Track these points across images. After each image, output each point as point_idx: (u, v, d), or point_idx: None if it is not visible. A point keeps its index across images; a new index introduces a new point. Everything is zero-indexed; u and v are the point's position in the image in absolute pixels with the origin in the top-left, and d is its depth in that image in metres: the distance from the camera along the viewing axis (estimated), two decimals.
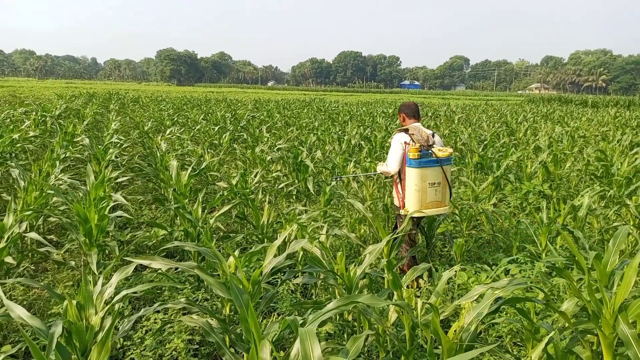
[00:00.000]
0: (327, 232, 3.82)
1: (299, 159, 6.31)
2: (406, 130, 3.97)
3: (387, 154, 4.09)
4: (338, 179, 6.37)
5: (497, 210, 5.38)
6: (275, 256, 2.71)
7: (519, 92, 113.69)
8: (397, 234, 3.60)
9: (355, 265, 3.01)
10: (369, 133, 11.47)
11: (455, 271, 3.59)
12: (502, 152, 8.64)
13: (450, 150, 3.94)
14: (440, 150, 3.86)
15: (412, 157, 3.76)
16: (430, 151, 3.84)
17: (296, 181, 6.27)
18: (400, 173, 3.94)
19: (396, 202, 4.08)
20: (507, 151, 8.43)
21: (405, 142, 3.87)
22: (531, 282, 3.35)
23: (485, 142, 9.76)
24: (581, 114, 23.03)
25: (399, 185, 4.00)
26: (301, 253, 3.64)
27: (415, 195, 3.81)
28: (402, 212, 3.95)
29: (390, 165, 3.95)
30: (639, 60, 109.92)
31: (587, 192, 5.31)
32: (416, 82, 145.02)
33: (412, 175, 3.80)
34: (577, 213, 4.66)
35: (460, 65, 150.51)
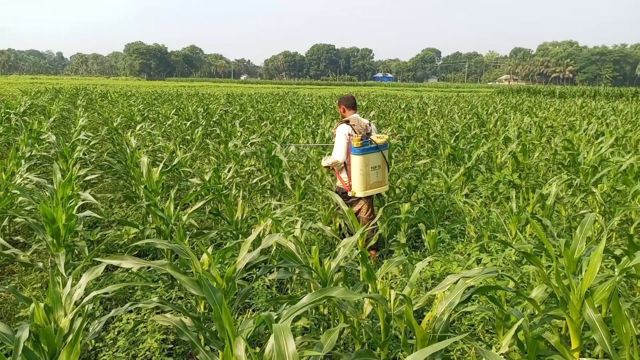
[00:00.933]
0: (301, 226, 3.81)
1: (273, 154, 6.27)
2: (347, 122, 4.47)
3: (332, 145, 4.59)
4: (286, 146, 7.07)
5: (469, 200, 5.47)
6: (249, 252, 2.69)
7: (489, 83, 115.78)
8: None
9: (330, 258, 3.02)
10: None
11: (429, 262, 3.64)
12: (474, 143, 8.78)
13: (386, 137, 4.52)
14: (378, 137, 4.44)
15: (355, 145, 4.28)
16: (369, 139, 4.37)
17: (270, 176, 6.24)
18: (347, 162, 4.44)
19: (339, 184, 4.63)
20: (478, 142, 8.57)
21: (348, 134, 4.38)
22: (502, 271, 3.42)
23: (457, 134, 9.90)
24: (549, 105, 23.60)
25: (344, 173, 4.53)
26: (275, 248, 3.62)
27: (360, 179, 4.34)
28: (349, 194, 4.48)
29: (338, 156, 4.45)
30: (604, 52, 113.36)
31: (555, 181, 5.45)
32: (389, 75, 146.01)
33: (357, 161, 4.31)
34: (546, 202, 4.78)
35: (432, 58, 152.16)
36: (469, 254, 4.30)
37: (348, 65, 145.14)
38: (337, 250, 3.12)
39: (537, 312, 2.39)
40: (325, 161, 4.62)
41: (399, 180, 6.35)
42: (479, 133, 10.91)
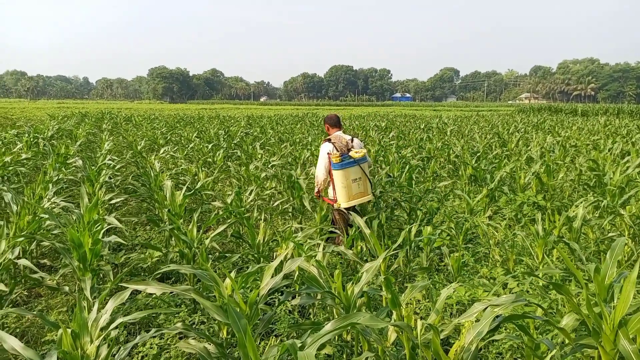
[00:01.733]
0: (323, 249, 3.80)
1: (293, 177, 6.30)
2: (329, 140, 4.93)
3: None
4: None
5: (493, 222, 5.38)
6: (272, 277, 2.69)
7: (509, 102, 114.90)
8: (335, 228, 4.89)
9: (352, 283, 2.99)
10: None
11: (454, 288, 3.58)
12: (495, 164, 8.68)
13: (364, 151, 4.95)
14: (356, 152, 4.84)
15: (335, 161, 4.77)
16: (348, 155, 4.82)
17: (291, 198, 6.26)
18: (330, 177, 4.93)
19: (327, 201, 5.14)
20: (500, 162, 8.48)
21: (328, 153, 4.85)
22: (529, 297, 3.34)
23: (478, 154, 9.81)
24: (571, 123, 23.26)
25: (332, 187, 4.97)
26: (297, 272, 3.61)
27: (343, 192, 4.82)
28: (335, 206, 4.94)
29: (318, 172, 5.00)
30: (626, 68, 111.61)
31: (581, 202, 5.34)
32: (407, 95, 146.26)
33: (337, 175, 4.81)
34: (572, 224, 4.67)
35: (450, 77, 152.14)
36: (495, 279, 4.22)
37: (366, 85, 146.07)
38: (360, 274, 3.09)
39: (567, 341, 2.31)
40: (316, 180, 5.13)
41: (420, 202, 6.31)
42: (501, 153, 10.79)
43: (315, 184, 5.12)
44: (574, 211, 5.03)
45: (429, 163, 9.67)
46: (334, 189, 4.94)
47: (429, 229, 4.66)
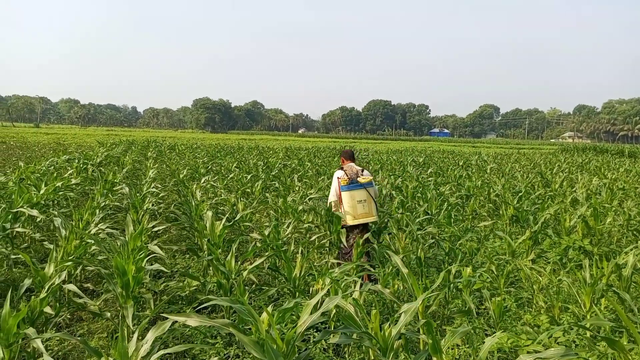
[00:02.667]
0: (360, 287, 3.76)
1: (331, 211, 6.32)
2: (342, 168, 5.81)
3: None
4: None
5: (536, 267, 5.19)
6: (310, 314, 2.68)
7: (551, 140, 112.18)
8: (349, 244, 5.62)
9: (390, 324, 2.93)
10: (400, 183, 11.44)
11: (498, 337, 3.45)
12: (539, 205, 8.43)
13: (370, 177, 5.73)
14: (363, 178, 5.62)
15: (343, 184, 5.58)
16: (357, 180, 5.59)
17: (328, 233, 6.25)
18: (339, 198, 5.70)
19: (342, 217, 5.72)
20: (543, 204, 8.23)
21: (338, 177, 5.70)
22: (579, 353, 3.18)
23: (520, 194, 9.57)
24: (618, 165, 22.41)
25: (342, 208, 5.68)
26: (334, 310, 3.57)
27: (350, 210, 5.57)
28: (345, 225, 5.64)
29: (331, 196, 5.89)
30: None
31: (632, 249, 5.09)
32: (446, 130, 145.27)
33: (345, 196, 5.59)
34: (622, 272, 4.45)
35: (490, 114, 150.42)
36: (539, 326, 4.04)
37: (404, 120, 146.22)
38: (397, 315, 3.03)
39: None
40: (329, 200, 6.02)
41: (459, 242, 6.17)
42: (544, 194, 10.48)
43: (329, 204, 5.95)
44: (623, 258, 4.80)
45: (469, 201, 9.49)
46: (342, 209, 5.67)
47: (468, 270, 4.53)
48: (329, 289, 3.83)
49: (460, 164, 19.71)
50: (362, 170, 5.77)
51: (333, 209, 5.76)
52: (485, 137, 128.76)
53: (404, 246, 5.99)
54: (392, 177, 12.62)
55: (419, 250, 5.23)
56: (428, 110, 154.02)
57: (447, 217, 6.89)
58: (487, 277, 5.02)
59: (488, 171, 16.69)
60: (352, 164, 5.89)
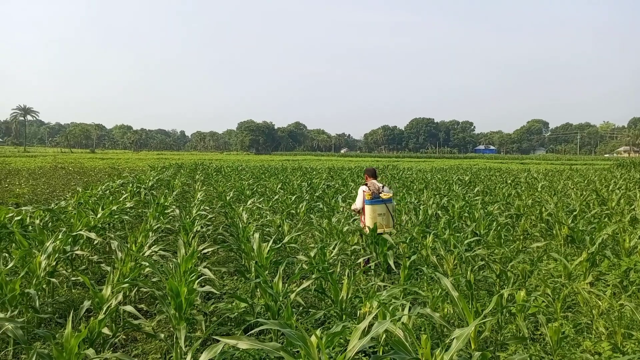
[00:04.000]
0: (409, 311, 3.70)
1: (378, 232, 6.28)
2: (366, 184, 6.71)
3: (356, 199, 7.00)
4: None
5: (595, 290, 4.93)
6: (359, 338, 2.66)
7: (605, 155, 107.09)
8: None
9: (441, 350, 2.87)
10: (446, 202, 11.23)
11: None
12: (595, 224, 8.04)
13: (390, 194, 6.64)
14: (384, 194, 6.53)
15: (367, 198, 6.51)
16: (379, 195, 6.50)
17: (375, 255, 6.22)
18: (362, 209, 6.70)
19: (361, 226, 6.91)
20: (599, 223, 7.84)
21: (364, 191, 6.63)
22: None
23: (575, 213, 9.16)
24: None
25: (363, 217, 6.73)
26: (384, 335, 3.53)
27: (370, 221, 6.48)
28: (364, 231, 6.68)
29: (357, 204, 6.85)
30: None
31: None
32: (492, 147, 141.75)
33: (368, 209, 6.53)
34: None
35: (538, 129, 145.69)
36: (600, 354, 3.82)
37: (448, 137, 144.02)
38: (449, 341, 2.96)
39: None
40: (353, 206, 7.04)
41: (511, 264, 5.96)
42: (600, 212, 9.99)
43: (353, 211, 7.07)
44: None
45: (519, 221, 9.18)
46: (363, 218, 6.71)
47: (522, 293, 4.37)
48: (377, 313, 3.78)
49: (509, 181, 19.14)
50: (383, 187, 6.65)
51: (352, 208, 7.06)
52: (534, 153, 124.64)
53: (452, 268, 5.86)
54: (437, 196, 12.41)
55: (469, 273, 5.09)
56: (473, 127, 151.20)
57: (497, 237, 6.68)
58: (542, 301, 4.82)
59: (539, 189, 16.11)
60: (375, 180, 6.77)
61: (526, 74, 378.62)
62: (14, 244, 6.05)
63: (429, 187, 16.44)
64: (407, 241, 6.70)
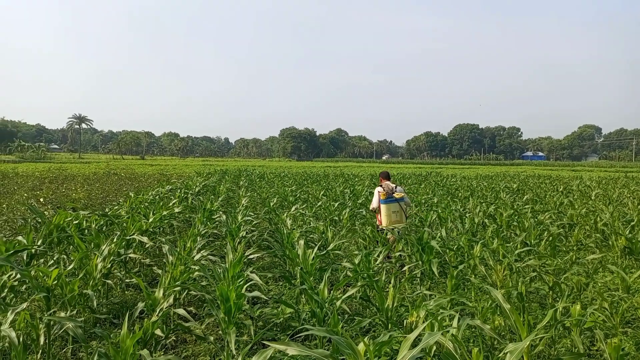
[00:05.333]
0: (459, 322, 3.61)
1: (424, 240, 6.18)
2: (381, 185, 7.53)
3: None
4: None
5: None
6: (409, 349, 2.62)
7: None
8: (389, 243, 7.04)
9: None
10: (493, 210, 10.92)
11: None
12: None
13: (402, 193, 7.45)
14: (397, 194, 7.35)
15: (382, 198, 7.34)
16: (392, 195, 7.32)
17: (420, 263, 6.11)
18: (378, 208, 7.52)
19: (377, 223, 7.74)
20: None
21: (379, 192, 7.45)
22: None
23: (632, 223, 8.69)
24: None
25: (379, 215, 7.56)
26: (434, 347, 3.46)
27: (385, 218, 7.32)
28: (380, 227, 7.51)
29: (373, 204, 7.69)
30: None
31: None
32: (540, 153, 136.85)
33: (383, 207, 7.34)
34: None
35: (591, 135, 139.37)
36: None
37: (493, 144, 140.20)
38: (502, 355, 2.87)
39: None
40: (370, 207, 8.00)
41: (564, 276, 5.72)
42: None
43: (371, 210, 7.98)
44: None
45: (572, 231, 8.81)
46: (379, 216, 7.57)
47: (577, 307, 4.18)
48: (424, 322, 3.72)
49: (560, 189, 18.40)
50: (396, 187, 7.52)
51: (370, 208, 8.08)
52: (586, 160, 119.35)
53: (502, 279, 5.68)
54: (483, 204, 12.09)
55: (520, 284, 4.92)
56: (520, 133, 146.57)
57: (550, 248, 6.43)
58: (599, 316, 4.59)
59: (592, 197, 15.40)
60: (388, 182, 7.65)
61: (576, 76, 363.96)
62: (71, 246, 6.36)
63: (475, 194, 16.04)
64: (455, 249, 6.56)
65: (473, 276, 5.83)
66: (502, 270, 5.76)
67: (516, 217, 9.47)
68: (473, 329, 4.54)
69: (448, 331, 3.21)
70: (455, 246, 6.80)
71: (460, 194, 15.98)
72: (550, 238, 7.25)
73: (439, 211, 10.19)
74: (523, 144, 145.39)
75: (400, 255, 6.75)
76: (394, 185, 7.52)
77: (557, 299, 5.18)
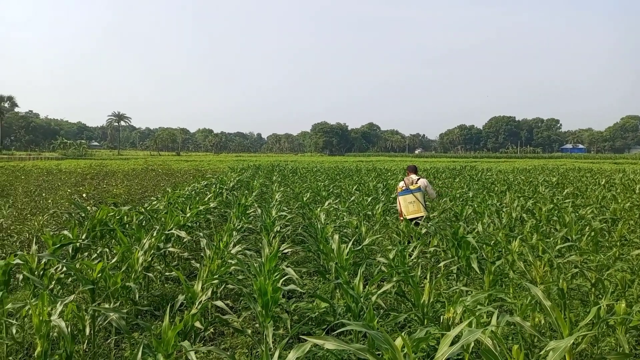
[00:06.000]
0: (498, 319, 3.55)
1: (459, 235, 6.09)
2: (403, 179, 8.19)
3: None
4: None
5: None
6: (449, 345, 2.60)
7: None
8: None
9: None
10: (532, 205, 10.64)
11: None
12: None
13: (418, 184, 7.95)
14: (413, 186, 7.90)
15: (399, 191, 8.03)
16: (409, 187, 7.90)
17: (456, 258, 6.03)
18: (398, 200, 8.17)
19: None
20: None
21: (400, 186, 8.11)
22: None
23: None
24: None
25: (399, 207, 8.09)
26: (472, 343, 3.41)
27: (403, 209, 7.89)
28: (401, 217, 7.90)
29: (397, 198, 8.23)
30: None
31: None
32: (580, 146, 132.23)
33: (400, 199, 7.97)
34: None
35: (634, 126, 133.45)
36: None
37: (530, 136, 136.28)
38: (544, 352, 2.81)
39: None
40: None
41: (607, 272, 5.53)
42: None
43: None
44: None
45: (616, 226, 8.48)
46: (399, 207, 8.11)
47: (622, 305, 4.03)
48: (461, 318, 3.68)
49: (602, 183, 17.75)
50: (418, 179, 8.06)
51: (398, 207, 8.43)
52: (629, 152, 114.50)
53: (542, 275, 5.54)
54: (521, 198, 11.79)
55: (561, 281, 4.79)
56: (559, 125, 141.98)
57: (592, 243, 6.23)
58: None
59: (637, 191, 14.78)
60: (413, 175, 8.19)
61: (616, 65, 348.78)
62: (113, 240, 6.59)
63: (512, 188, 15.66)
64: (492, 244, 6.43)
65: (511, 272, 5.70)
66: (542, 266, 5.62)
67: (556, 212, 9.20)
68: (512, 326, 4.45)
69: (487, 328, 3.16)
70: (493, 241, 6.67)
71: (496, 188, 15.63)
72: (593, 233, 7.00)
73: (475, 205, 10.01)
74: (562, 136, 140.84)
75: (434, 250, 6.65)
76: (416, 177, 8.07)
77: (600, 296, 5.01)
